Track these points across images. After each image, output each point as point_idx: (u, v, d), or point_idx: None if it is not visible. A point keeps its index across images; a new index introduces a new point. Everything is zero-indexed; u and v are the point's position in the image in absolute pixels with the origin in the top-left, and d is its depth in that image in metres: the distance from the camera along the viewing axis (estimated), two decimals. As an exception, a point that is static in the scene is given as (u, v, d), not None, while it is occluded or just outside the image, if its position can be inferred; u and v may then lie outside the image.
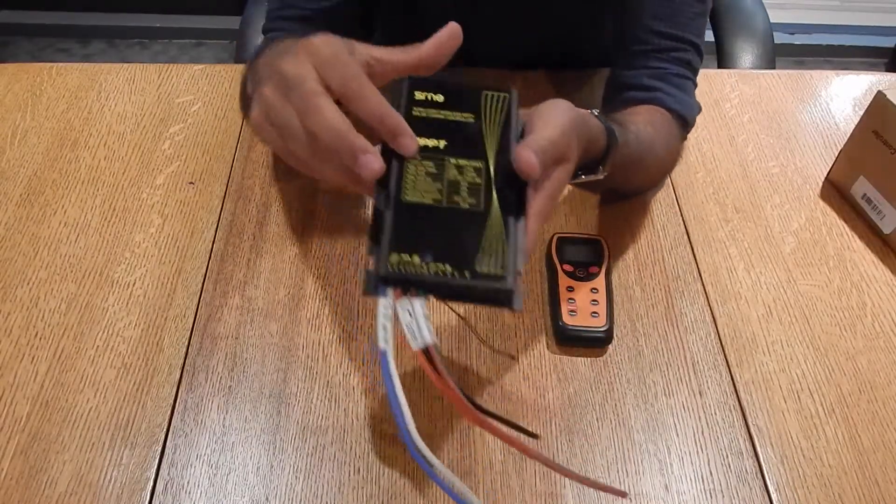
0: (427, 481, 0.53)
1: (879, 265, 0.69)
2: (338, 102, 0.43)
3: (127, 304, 0.64)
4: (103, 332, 0.62)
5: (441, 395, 0.58)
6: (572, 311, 0.62)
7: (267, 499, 0.53)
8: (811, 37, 2.20)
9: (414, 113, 0.45)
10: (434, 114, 0.46)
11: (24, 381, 0.58)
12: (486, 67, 0.84)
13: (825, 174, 0.77)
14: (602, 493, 0.54)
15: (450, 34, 0.47)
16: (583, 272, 0.64)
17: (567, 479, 0.54)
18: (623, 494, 0.46)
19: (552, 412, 0.58)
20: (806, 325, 0.64)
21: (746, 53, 1.01)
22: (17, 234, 0.69)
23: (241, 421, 0.57)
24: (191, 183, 0.74)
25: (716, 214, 0.73)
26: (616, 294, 0.65)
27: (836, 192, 0.76)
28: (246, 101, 0.58)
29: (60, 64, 0.87)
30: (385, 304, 0.40)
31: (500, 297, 0.41)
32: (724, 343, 0.63)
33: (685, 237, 0.71)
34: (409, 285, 0.40)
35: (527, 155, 0.43)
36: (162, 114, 0.81)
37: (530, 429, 0.48)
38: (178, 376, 0.59)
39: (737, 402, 0.59)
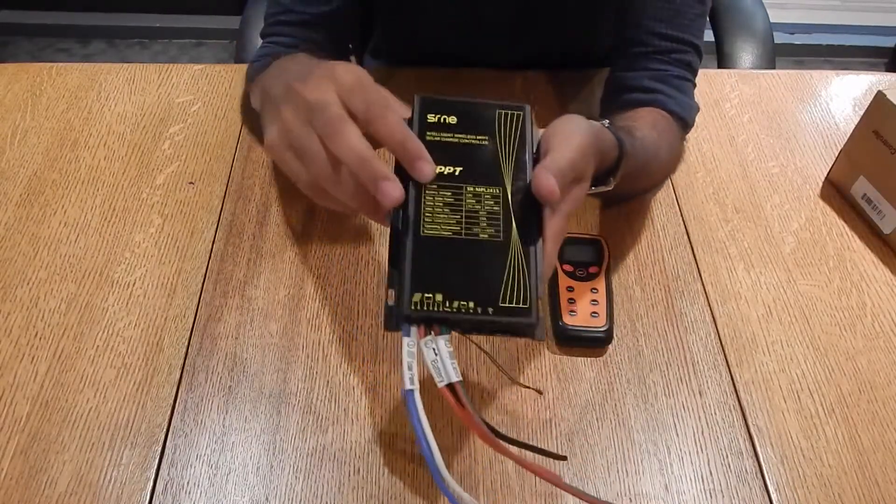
0: (427, 481, 0.53)
1: (879, 265, 0.69)
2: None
3: (127, 304, 0.64)
4: (103, 332, 0.62)
5: (467, 429, 0.57)
6: (572, 311, 0.62)
7: (267, 499, 0.53)
8: (811, 37, 2.20)
9: (427, 137, 0.45)
10: (448, 137, 0.45)
11: (24, 382, 0.58)
12: (486, 68, 0.84)
13: (825, 174, 0.77)
14: (601, 493, 0.53)
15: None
16: (583, 272, 0.64)
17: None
18: None
19: (552, 412, 0.58)
20: (806, 325, 0.64)
21: (746, 53, 1.01)
22: (17, 234, 0.69)
23: (241, 421, 0.57)
24: (191, 183, 0.74)
25: (716, 214, 0.73)
26: (616, 294, 0.65)
27: (836, 192, 0.76)
28: (249, 112, 0.58)
29: (60, 64, 0.87)
30: (409, 342, 0.40)
31: (523, 330, 0.41)
32: (724, 343, 0.63)
33: (685, 237, 0.71)
34: (431, 323, 0.40)
35: (547, 182, 0.42)
36: (162, 114, 0.81)
37: (516, 436, 0.48)
38: (178, 376, 0.59)
39: (737, 402, 0.59)
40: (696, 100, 0.72)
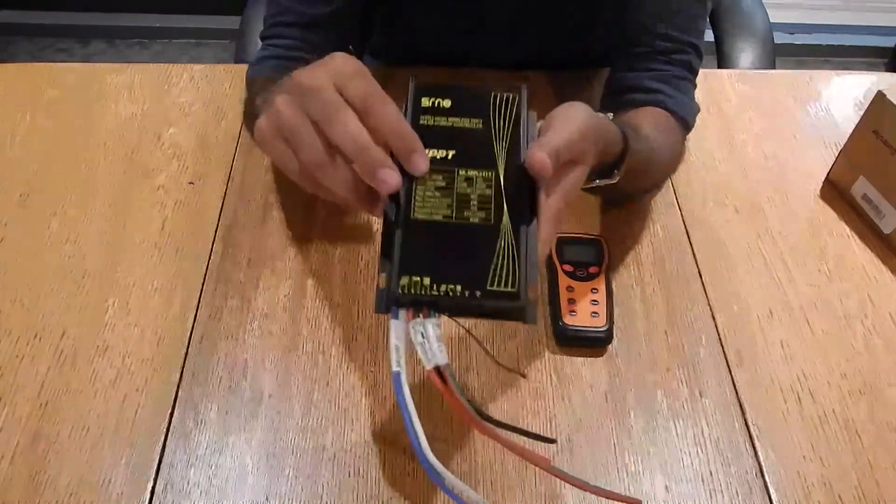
0: (428, 481, 0.53)
1: (879, 265, 0.69)
2: None
3: (127, 304, 0.64)
4: (103, 332, 0.62)
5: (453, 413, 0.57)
6: (572, 311, 0.62)
7: (267, 499, 0.53)
8: (811, 37, 2.20)
9: (421, 121, 0.45)
10: (442, 121, 0.45)
11: (24, 382, 0.58)
12: (486, 68, 0.84)
13: (825, 174, 0.77)
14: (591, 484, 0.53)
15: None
16: (583, 272, 0.64)
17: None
18: (637, 502, 0.45)
19: (552, 412, 0.58)
20: (806, 325, 0.64)
21: (746, 53, 1.01)
22: (17, 234, 0.69)
23: (241, 421, 0.57)
24: (191, 183, 0.74)
25: (716, 214, 0.73)
26: (616, 294, 0.65)
27: (836, 192, 0.76)
28: (251, 119, 0.57)
29: (60, 64, 0.87)
30: (397, 325, 0.40)
31: (513, 314, 0.41)
32: (724, 343, 0.63)
33: (685, 237, 0.71)
34: (420, 306, 0.40)
35: (539, 155, 0.42)
36: (162, 114, 0.81)
37: (541, 433, 0.48)
38: (178, 376, 0.59)
39: (737, 402, 0.59)
40: (696, 100, 0.72)
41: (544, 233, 0.43)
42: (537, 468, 0.55)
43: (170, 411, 0.57)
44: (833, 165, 0.76)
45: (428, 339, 0.40)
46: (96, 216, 0.71)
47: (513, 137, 0.45)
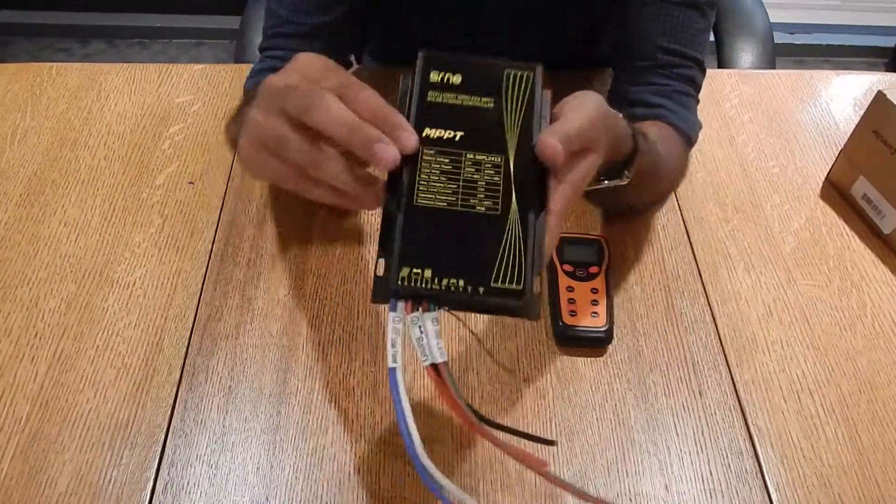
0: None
1: (879, 265, 0.69)
2: None
3: (127, 304, 0.64)
4: (103, 332, 0.62)
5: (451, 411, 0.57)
6: (572, 311, 0.62)
7: (267, 499, 0.53)
8: (811, 37, 2.20)
9: (429, 98, 0.42)
10: (450, 99, 0.42)
11: (24, 382, 0.58)
12: None
13: (825, 174, 0.77)
14: (601, 493, 0.53)
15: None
16: (583, 272, 0.64)
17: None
18: None
19: (552, 412, 0.58)
20: (806, 325, 0.64)
21: (746, 53, 1.01)
22: (17, 234, 0.69)
23: (241, 421, 0.57)
24: (191, 183, 0.74)
25: (716, 214, 0.73)
26: (616, 294, 0.65)
27: (836, 192, 0.76)
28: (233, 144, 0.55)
29: (60, 64, 0.87)
30: (395, 318, 0.39)
31: (516, 311, 0.39)
32: (724, 343, 0.63)
33: (685, 237, 0.71)
34: (420, 299, 0.39)
35: (551, 142, 0.40)
36: (162, 114, 0.81)
37: (541, 435, 0.48)
38: (178, 376, 0.59)
39: (737, 402, 0.59)
40: (698, 116, 0.71)
41: (553, 223, 0.41)
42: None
43: (170, 411, 0.57)
44: (833, 165, 0.76)
45: (426, 335, 0.39)
46: (96, 216, 0.71)
47: (524, 120, 0.42)
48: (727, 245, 0.70)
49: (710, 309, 0.65)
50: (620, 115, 0.51)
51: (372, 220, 0.71)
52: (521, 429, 0.56)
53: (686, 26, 0.68)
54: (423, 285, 0.38)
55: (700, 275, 0.68)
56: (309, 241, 0.69)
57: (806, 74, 0.90)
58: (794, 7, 2.21)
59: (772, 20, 1.06)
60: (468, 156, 0.41)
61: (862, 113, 0.71)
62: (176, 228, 0.70)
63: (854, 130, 0.72)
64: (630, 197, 0.66)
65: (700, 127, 0.71)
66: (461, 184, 0.40)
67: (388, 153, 0.39)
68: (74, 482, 0.53)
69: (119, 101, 0.83)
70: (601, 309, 0.62)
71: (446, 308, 0.40)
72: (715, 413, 0.58)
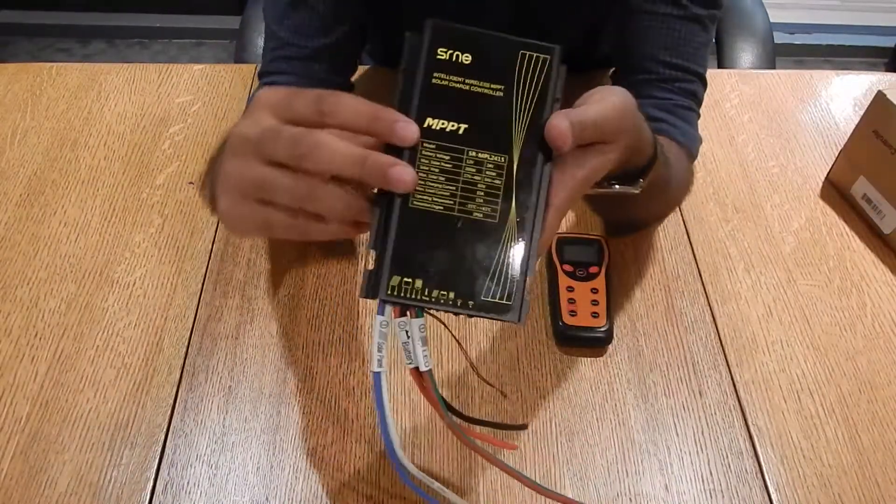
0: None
1: (879, 265, 0.69)
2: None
3: (127, 304, 0.64)
4: (103, 332, 0.62)
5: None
6: (572, 311, 0.62)
7: (267, 499, 0.53)
8: (811, 37, 2.20)
9: (434, 80, 0.39)
10: (458, 83, 0.39)
11: (24, 382, 0.58)
12: None
13: (825, 174, 0.77)
14: (601, 493, 0.54)
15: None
16: (583, 272, 0.64)
17: (560, 481, 0.54)
18: None
19: (552, 412, 0.58)
20: (806, 325, 0.64)
21: (746, 53, 1.01)
22: (17, 234, 0.69)
23: (241, 421, 0.57)
24: (191, 183, 0.74)
25: (716, 214, 0.73)
26: (616, 294, 0.65)
27: (836, 192, 0.76)
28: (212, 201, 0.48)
29: (60, 64, 0.87)
30: (382, 322, 0.38)
31: (503, 319, 0.38)
32: (724, 343, 0.63)
33: (685, 237, 0.71)
34: (408, 307, 0.38)
35: (561, 124, 0.38)
36: (162, 114, 0.81)
37: (551, 447, 0.48)
38: (178, 376, 0.59)
39: (737, 402, 0.59)
40: (699, 131, 0.71)
41: (552, 218, 0.39)
42: (537, 466, 0.55)
43: (170, 411, 0.57)
44: (833, 165, 0.76)
45: (413, 341, 0.38)
46: (96, 216, 0.71)
47: (535, 113, 0.39)
48: (727, 245, 0.70)
49: (710, 309, 0.65)
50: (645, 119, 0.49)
51: (372, 220, 0.71)
52: (524, 437, 0.56)
53: (688, 40, 0.67)
54: (413, 296, 0.37)
55: (700, 275, 0.68)
56: (309, 241, 0.69)
57: (806, 74, 0.90)
58: (794, 7, 2.21)
59: (772, 20, 1.06)
60: (470, 153, 0.39)
61: (862, 113, 0.71)
62: (176, 228, 0.70)
63: (854, 130, 0.72)
64: (635, 209, 0.64)
65: (700, 142, 0.70)
66: (460, 185, 0.38)
67: (406, 175, 0.36)
68: (74, 482, 0.53)
69: (119, 101, 0.83)
70: (601, 309, 0.62)
71: (432, 312, 0.39)
72: (715, 413, 0.58)
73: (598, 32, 0.83)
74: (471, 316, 0.38)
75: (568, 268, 0.65)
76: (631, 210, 0.65)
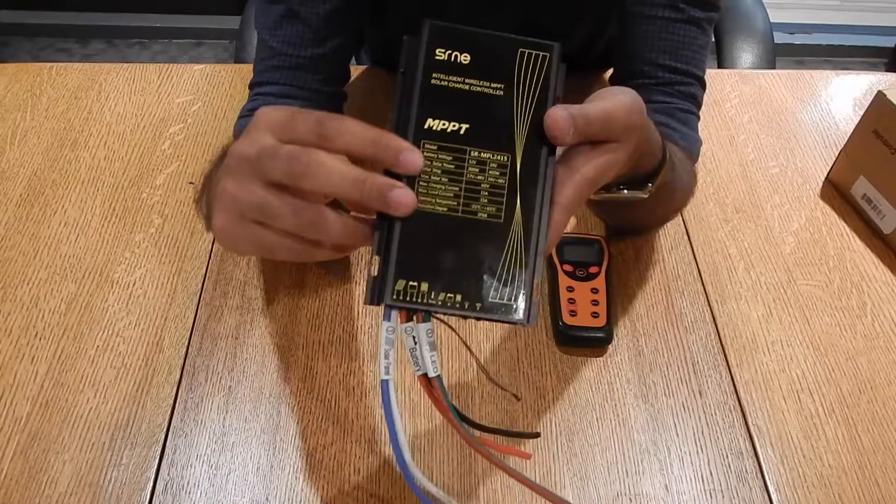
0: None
1: (879, 265, 0.69)
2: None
3: (127, 304, 0.64)
4: (103, 332, 0.62)
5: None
6: (572, 311, 0.62)
7: (267, 499, 0.53)
8: (811, 37, 2.20)
9: (433, 81, 0.39)
10: (457, 83, 0.39)
11: (24, 382, 0.58)
12: None
13: (825, 174, 0.77)
14: (601, 493, 0.54)
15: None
16: (583, 272, 0.64)
17: (562, 486, 0.54)
18: None
19: (552, 412, 0.58)
20: (806, 325, 0.64)
21: (746, 53, 1.01)
22: (17, 234, 0.69)
23: (241, 421, 0.57)
24: (191, 183, 0.74)
25: (716, 214, 0.73)
26: (616, 294, 0.65)
27: (836, 192, 0.76)
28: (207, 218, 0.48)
29: (60, 64, 0.87)
30: (388, 328, 0.38)
31: (511, 322, 0.38)
32: (724, 343, 0.63)
33: (685, 237, 0.71)
34: (415, 311, 0.37)
35: (559, 116, 0.37)
36: (162, 114, 0.81)
37: (531, 430, 0.48)
38: (178, 376, 0.59)
39: (737, 402, 0.59)
40: (700, 133, 0.71)
41: (557, 217, 0.38)
42: (537, 466, 0.55)
43: (170, 411, 0.57)
44: (833, 165, 0.76)
45: (420, 347, 0.38)
46: (96, 216, 0.71)
47: (536, 110, 0.39)
48: (727, 245, 0.70)
49: (710, 309, 0.65)
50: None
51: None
52: (520, 429, 0.57)
53: (687, 43, 0.67)
54: (419, 300, 0.36)
55: (700, 275, 0.68)
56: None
57: (806, 74, 0.90)
58: (794, 7, 2.21)
59: (772, 20, 1.06)
60: (472, 153, 0.38)
61: (862, 113, 0.71)
62: (176, 228, 0.70)
63: (854, 130, 0.72)
64: (640, 214, 0.64)
65: (701, 144, 0.70)
66: (463, 186, 0.38)
67: (406, 198, 0.36)
68: (74, 482, 0.53)
69: (119, 101, 0.83)
70: (601, 309, 0.62)
71: (439, 316, 0.38)
72: (715, 413, 0.58)
73: (599, 35, 0.83)
74: (479, 319, 0.37)
75: (568, 268, 0.65)
76: (636, 214, 0.65)
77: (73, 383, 0.58)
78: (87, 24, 2.19)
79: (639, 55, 0.67)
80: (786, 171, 0.78)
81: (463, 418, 0.40)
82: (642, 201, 0.51)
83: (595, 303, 0.62)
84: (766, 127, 0.83)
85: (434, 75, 0.39)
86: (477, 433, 0.41)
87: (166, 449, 0.55)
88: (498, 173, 0.38)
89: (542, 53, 0.40)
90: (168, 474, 0.54)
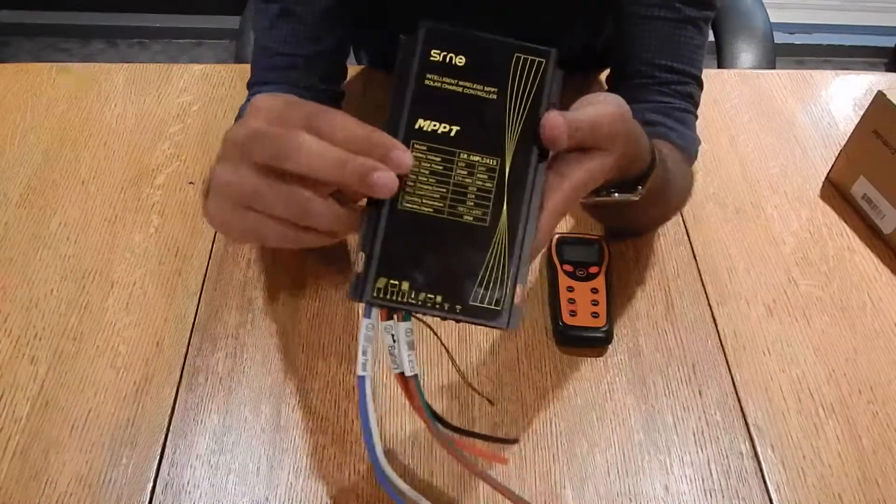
0: (427, 481, 0.53)
1: (879, 265, 0.69)
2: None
3: (127, 304, 0.64)
4: (103, 332, 0.62)
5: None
6: (572, 311, 0.62)
7: (267, 499, 0.53)
8: (811, 37, 2.20)
9: (427, 81, 0.39)
10: (451, 85, 0.39)
11: (23, 382, 0.58)
12: None
13: (825, 174, 0.77)
14: (601, 493, 0.54)
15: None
16: (583, 272, 0.64)
17: (562, 482, 0.54)
18: None
19: (552, 412, 0.58)
20: (806, 325, 0.64)
21: (746, 53, 1.01)
22: (17, 234, 0.69)
23: (241, 421, 0.57)
24: (191, 183, 0.74)
25: (716, 214, 0.73)
26: (616, 294, 0.65)
27: (836, 192, 0.76)
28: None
29: (60, 64, 0.87)
30: (368, 325, 0.38)
31: (492, 326, 0.38)
32: (724, 343, 0.63)
33: (685, 237, 0.71)
34: (395, 310, 0.37)
35: (556, 119, 0.37)
36: (162, 114, 0.81)
37: (514, 435, 0.48)
38: (178, 376, 0.59)
39: (737, 402, 0.59)
40: (697, 132, 0.70)
41: (545, 223, 0.38)
42: (537, 466, 0.55)
43: (170, 411, 0.57)
44: (833, 165, 0.76)
45: (399, 345, 0.38)
46: (96, 216, 0.71)
47: (529, 117, 0.39)
48: (727, 245, 0.70)
49: (710, 309, 0.65)
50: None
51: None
52: (524, 437, 0.56)
53: (683, 43, 0.67)
54: (400, 298, 0.37)
55: (700, 275, 0.68)
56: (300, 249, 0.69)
57: (806, 74, 0.90)
58: (794, 7, 2.21)
59: (772, 20, 1.06)
60: (462, 156, 0.38)
61: (862, 113, 0.71)
62: (176, 228, 0.70)
63: (854, 130, 0.72)
64: (636, 216, 0.64)
65: (699, 144, 0.70)
66: (451, 188, 0.38)
67: (387, 180, 0.36)
68: (74, 482, 0.53)
69: (119, 101, 0.83)
70: (601, 309, 0.62)
71: (419, 317, 0.38)
72: (715, 413, 0.58)
73: (597, 35, 0.83)
74: (458, 321, 0.37)
75: (568, 268, 0.65)
76: (632, 216, 0.65)
77: (73, 383, 0.58)
78: (87, 24, 2.19)
79: (635, 55, 0.67)
80: (786, 171, 0.78)
81: (437, 418, 0.41)
82: (636, 203, 0.51)
83: (595, 303, 0.62)
84: (766, 127, 0.83)
85: (428, 76, 0.39)
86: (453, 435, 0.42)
87: (166, 449, 0.55)
88: (486, 177, 0.38)
89: (538, 59, 0.40)
90: (168, 474, 0.54)
